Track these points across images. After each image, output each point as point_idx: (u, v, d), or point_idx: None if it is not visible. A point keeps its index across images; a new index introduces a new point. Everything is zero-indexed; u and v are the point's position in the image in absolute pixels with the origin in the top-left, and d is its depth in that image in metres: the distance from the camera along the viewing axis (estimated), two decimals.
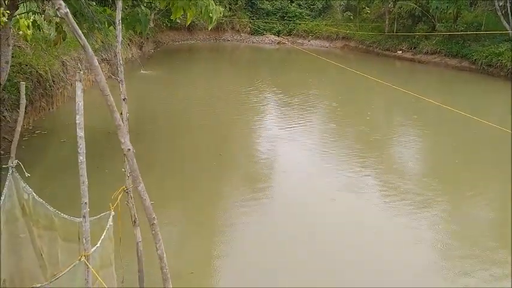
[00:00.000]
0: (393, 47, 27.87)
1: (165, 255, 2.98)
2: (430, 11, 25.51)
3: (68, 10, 1.82)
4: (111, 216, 4.21)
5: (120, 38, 4.18)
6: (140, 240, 4.28)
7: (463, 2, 23.62)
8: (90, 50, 2.10)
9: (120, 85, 4.17)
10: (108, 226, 4.16)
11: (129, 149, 2.52)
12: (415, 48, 26.64)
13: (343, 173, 9.74)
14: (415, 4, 27.38)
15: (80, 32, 1.95)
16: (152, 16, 24.36)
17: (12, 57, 10.46)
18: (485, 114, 13.48)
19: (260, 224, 7.57)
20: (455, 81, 21.77)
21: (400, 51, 27.35)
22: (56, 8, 1.79)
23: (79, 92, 2.86)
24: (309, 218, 7.79)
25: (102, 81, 2.12)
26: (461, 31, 24.00)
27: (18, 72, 11.35)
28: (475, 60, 22.74)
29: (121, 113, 4.28)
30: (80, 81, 2.84)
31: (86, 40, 1.99)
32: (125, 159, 3.32)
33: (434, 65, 24.65)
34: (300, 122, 13.64)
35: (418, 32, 26.53)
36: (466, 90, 19.32)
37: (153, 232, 2.79)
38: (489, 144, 11.71)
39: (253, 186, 9.03)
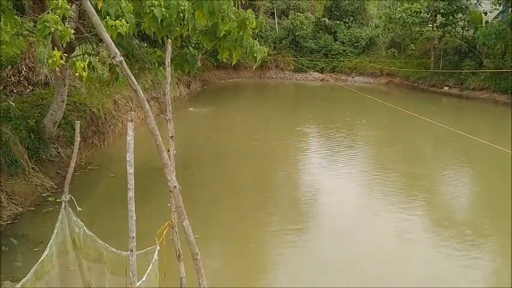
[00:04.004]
0: (439, 83, 27.43)
1: None
2: (477, 47, 25.09)
3: (122, 58, 2.00)
4: (156, 251, 4.33)
5: (169, 79, 4.40)
6: (184, 275, 4.36)
7: (511, 37, 23.14)
8: (141, 94, 2.26)
9: (168, 123, 4.36)
10: (153, 260, 4.27)
11: (175, 186, 2.64)
12: (461, 84, 26.10)
13: (390, 213, 9.54)
14: (461, 40, 27.05)
15: (133, 77, 2.11)
16: (199, 56, 25.17)
17: (68, 96, 11.06)
18: None
19: (303, 263, 7.51)
20: (504, 118, 21.08)
21: (447, 87, 26.88)
22: (112, 56, 1.96)
23: (130, 131, 3.03)
24: (356, 257, 7.67)
25: (151, 123, 2.27)
26: (510, 67, 23.42)
27: (73, 111, 11.95)
28: None
29: (168, 150, 4.47)
30: (131, 121, 3.02)
31: (138, 85, 2.15)
32: (171, 195, 3.45)
33: (483, 101, 24.01)
34: (344, 160, 13.54)
35: (465, 68, 26.02)
36: None
37: (196, 267, 2.87)
38: None
39: (296, 224, 8.99)
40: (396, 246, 8.06)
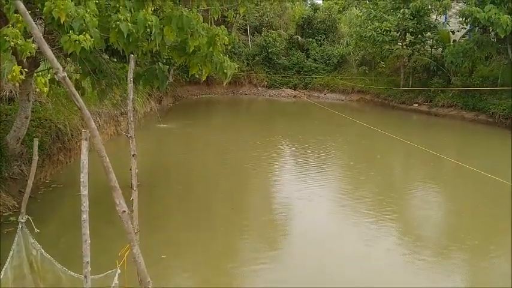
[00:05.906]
0: (409, 100, 27.89)
1: None
2: (445, 65, 25.63)
3: (65, 74, 1.87)
4: (117, 274, 4.15)
5: (131, 96, 4.26)
6: None
7: (478, 56, 23.74)
8: (87, 112, 2.13)
9: (130, 141, 4.22)
10: (113, 284, 4.09)
11: (124, 211, 2.51)
12: (430, 101, 26.59)
13: (360, 234, 9.47)
14: (430, 59, 27.64)
15: (77, 95, 1.99)
16: (171, 71, 24.96)
17: (33, 112, 10.74)
18: (504, 171, 13.05)
19: (274, 284, 7.38)
20: (472, 135, 21.52)
21: (416, 104, 27.34)
22: (54, 72, 1.84)
23: (84, 150, 2.89)
24: (327, 279, 7.58)
25: (98, 143, 2.14)
26: (477, 85, 23.98)
27: (38, 127, 11.60)
28: (492, 113, 22.57)
29: (130, 169, 4.31)
30: (86, 139, 2.87)
31: (82, 102, 2.03)
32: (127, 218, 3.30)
33: (451, 118, 24.47)
34: (315, 178, 13.48)
35: (434, 85, 26.54)
36: (483, 144, 19.03)
37: None
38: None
39: (267, 244, 8.87)
40: (369, 263, 8.01)
